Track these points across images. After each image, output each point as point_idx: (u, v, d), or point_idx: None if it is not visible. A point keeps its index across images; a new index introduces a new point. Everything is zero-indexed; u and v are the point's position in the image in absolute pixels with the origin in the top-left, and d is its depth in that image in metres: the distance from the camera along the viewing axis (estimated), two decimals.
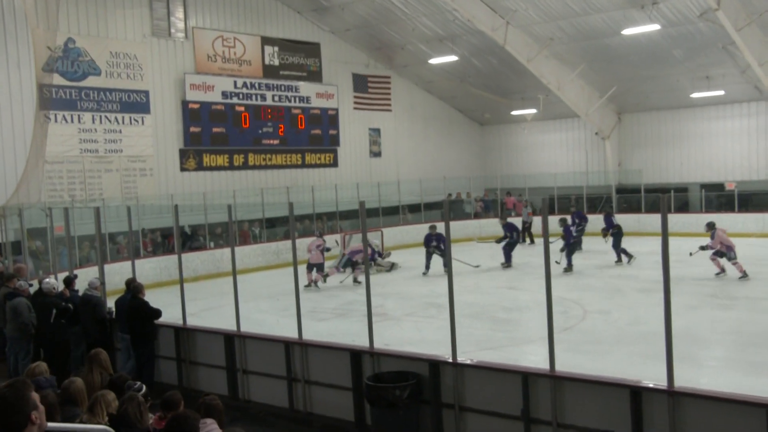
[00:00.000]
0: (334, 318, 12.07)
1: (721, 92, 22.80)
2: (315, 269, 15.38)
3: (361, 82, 25.33)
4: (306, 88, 23.23)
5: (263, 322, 11.48)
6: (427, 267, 16.60)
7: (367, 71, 25.46)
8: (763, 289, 12.63)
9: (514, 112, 27.76)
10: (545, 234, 5.93)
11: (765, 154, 23.93)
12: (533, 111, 26.73)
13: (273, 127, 22.23)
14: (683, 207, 24.40)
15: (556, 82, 23.03)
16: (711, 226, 14.44)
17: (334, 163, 24.42)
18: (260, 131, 21.92)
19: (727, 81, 22.26)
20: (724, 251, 13.97)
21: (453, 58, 23.03)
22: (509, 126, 30.32)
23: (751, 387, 6.96)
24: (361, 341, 7.75)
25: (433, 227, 17.31)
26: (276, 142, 22.36)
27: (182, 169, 20.22)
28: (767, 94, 21.52)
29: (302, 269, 17.72)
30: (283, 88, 22.54)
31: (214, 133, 20.82)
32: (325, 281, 15.47)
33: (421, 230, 23.22)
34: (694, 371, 7.66)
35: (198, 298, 13.81)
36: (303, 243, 19.57)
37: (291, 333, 8.12)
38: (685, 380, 5.45)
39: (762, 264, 15.74)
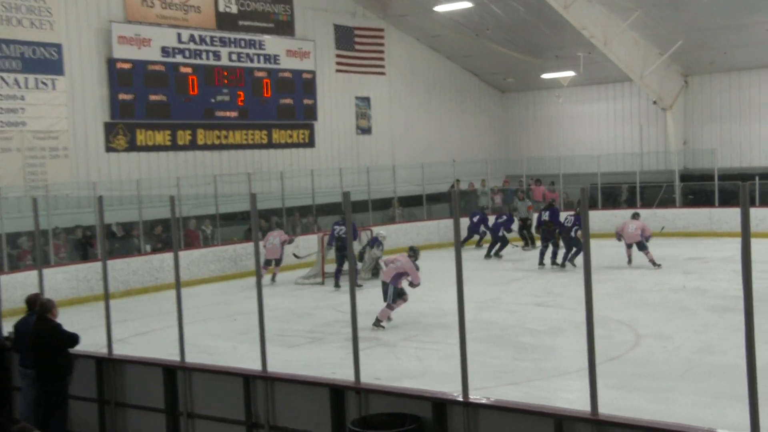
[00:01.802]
0: (309, 343, 12.02)
1: None
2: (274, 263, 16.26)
3: (345, 37, 25.27)
4: (273, 43, 23.13)
5: (216, 349, 11.36)
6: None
7: (353, 22, 25.40)
8: None
9: (545, 76, 27.77)
10: (585, 235, 5.86)
11: None
12: (571, 74, 26.75)
13: (230, 95, 22.14)
14: None
15: (601, 36, 23.03)
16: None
17: (311, 143, 24.36)
18: (213, 100, 21.83)
19: None
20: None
21: (467, 4, 22.98)
22: (539, 93, 30.35)
23: None
24: (343, 374, 7.68)
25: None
26: (234, 114, 22.29)
27: (108, 149, 20.12)
28: None
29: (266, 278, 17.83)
30: (243, 43, 22.44)
31: (151, 102, 20.73)
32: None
33: (422, 228, 23.34)
34: None
35: (129, 318, 13.69)
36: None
37: (252, 364, 8.04)
38: None
39: None
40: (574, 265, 17.79)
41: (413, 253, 13.13)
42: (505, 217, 21.16)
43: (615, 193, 26.20)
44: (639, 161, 26.71)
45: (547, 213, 18.71)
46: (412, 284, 12.78)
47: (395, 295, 12.60)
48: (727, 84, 26.53)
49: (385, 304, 12.67)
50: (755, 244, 5.72)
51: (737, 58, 25.22)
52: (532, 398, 8.24)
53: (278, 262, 17.87)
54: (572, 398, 8.41)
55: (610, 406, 5.96)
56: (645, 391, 8.77)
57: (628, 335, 11.43)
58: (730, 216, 21.60)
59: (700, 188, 25.34)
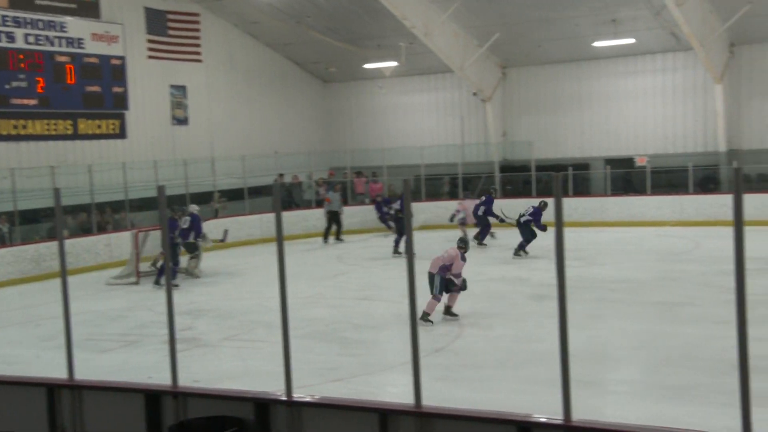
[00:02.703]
0: (122, 347, 11.67)
1: (631, 40, 24.42)
2: None
3: (157, 21, 24.60)
4: (77, 26, 22.18)
5: (16, 358, 10.93)
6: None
7: (166, 5, 24.78)
8: (679, 292, 13.68)
9: (367, 65, 28.18)
10: (409, 227, 6.01)
11: (683, 120, 25.94)
12: (393, 64, 27.26)
13: (28, 81, 21.09)
14: (584, 189, 25.89)
15: (422, 26, 23.59)
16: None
17: (122, 134, 23.60)
18: (8, 86, 20.74)
19: (638, 26, 23.85)
20: None
21: None
22: (362, 84, 30.77)
23: (662, 415, 7.53)
24: (160, 378, 7.52)
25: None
26: (33, 102, 21.25)
27: None
28: (686, 42, 23.24)
29: (83, 278, 17.14)
30: (41, 24, 21.38)
31: None
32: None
33: (243, 222, 23.08)
34: (597, 399, 8.14)
35: None
36: (77, 244, 18.87)
37: (58, 372, 7.72)
38: (586, 411, 5.74)
39: (678, 260, 17.08)
40: (526, 253, 18.25)
41: (463, 244, 12.88)
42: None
43: (438, 184, 27.00)
44: (461, 152, 27.64)
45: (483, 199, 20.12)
46: (453, 275, 12.39)
47: (442, 287, 12.31)
48: (542, 76, 27.92)
49: (431, 296, 12.26)
50: (569, 233, 6.07)
51: (551, 51, 26.58)
52: (357, 394, 8.38)
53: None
54: (397, 392, 8.62)
55: (434, 398, 6.14)
56: (468, 381, 9.10)
57: (451, 326, 11.82)
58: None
59: (519, 179, 26.56)
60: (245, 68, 27.98)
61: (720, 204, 21.62)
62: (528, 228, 18.09)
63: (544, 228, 17.63)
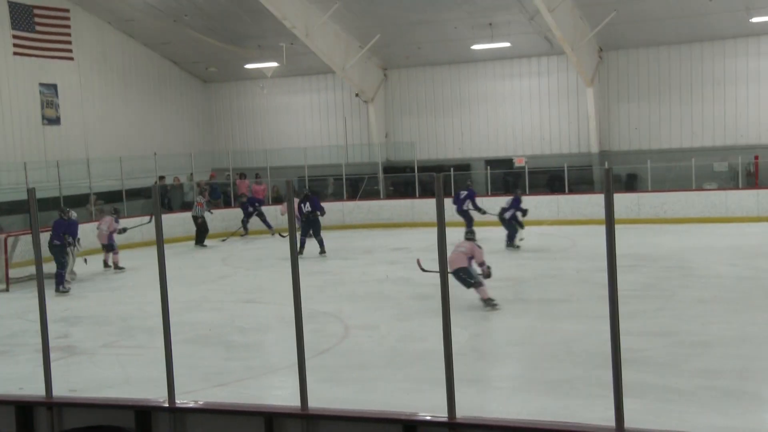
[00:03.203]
0: None
1: (507, 44, 25.02)
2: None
3: (23, 16, 23.65)
4: None
5: None
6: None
7: (32, 0, 23.86)
8: (557, 289, 14.09)
9: (248, 66, 27.94)
10: (291, 227, 5.98)
11: (558, 122, 26.80)
12: (274, 64, 27.12)
13: None
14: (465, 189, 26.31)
15: (303, 27, 23.55)
16: None
17: None
18: None
19: (513, 30, 24.48)
20: None
21: None
22: (243, 84, 30.54)
23: (543, 409, 7.74)
24: (33, 389, 7.24)
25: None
26: None
27: None
28: (559, 47, 24.01)
29: None
30: None
31: None
32: None
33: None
34: (481, 395, 8.30)
35: None
36: None
37: None
38: (470, 408, 5.84)
39: (558, 258, 17.60)
40: (517, 247, 18.58)
41: (471, 234, 13.49)
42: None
43: (322, 185, 27.01)
44: (344, 153, 27.76)
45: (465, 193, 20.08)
46: (478, 265, 12.51)
47: (472, 275, 12.34)
48: (422, 78, 28.33)
49: (473, 289, 12.37)
50: (451, 232, 6.16)
51: (430, 53, 26.99)
52: (243, 398, 8.29)
53: (109, 248, 18.44)
54: (284, 395, 8.58)
55: (320, 400, 6.13)
56: (354, 382, 9.12)
57: (337, 327, 11.82)
58: (430, 206, 23.03)
59: (402, 180, 26.86)
60: (121, 67, 27.27)
61: (594, 203, 22.42)
62: (510, 221, 18.70)
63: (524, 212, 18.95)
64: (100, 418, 6.46)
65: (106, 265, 18.52)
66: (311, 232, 19.33)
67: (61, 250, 15.92)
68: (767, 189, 22.65)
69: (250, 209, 23.42)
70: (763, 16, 22.54)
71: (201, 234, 22.06)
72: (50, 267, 16.54)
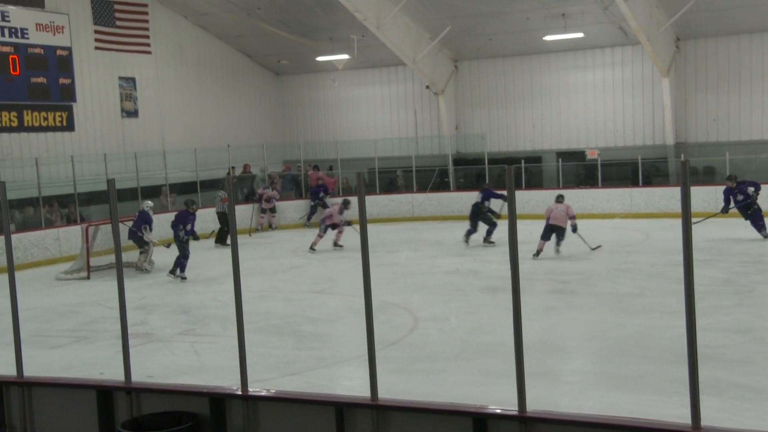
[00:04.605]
0: (73, 343, 11.50)
1: (580, 34, 24.69)
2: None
3: (104, 11, 24.23)
4: (21, 15, 21.70)
5: None
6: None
7: None
8: (629, 283, 13.87)
9: (320, 58, 28.10)
10: (362, 219, 6.02)
11: (632, 113, 26.32)
12: (345, 57, 27.23)
13: None
14: (537, 182, 26.15)
15: (374, 19, 23.59)
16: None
17: (69, 126, 23.14)
18: None
19: (586, 20, 24.13)
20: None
21: None
22: (314, 76, 30.70)
23: (615, 404, 7.65)
24: (112, 374, 7.44)
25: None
26: None
27: None
28: (634, 37, 23.58)
29: (32, 274, 16.87)
30: None
31: None
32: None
33: (199, 215, 22.88)
34: (551, 390, 8.23)
35: None
36: (24, 238, 18.53)
37: (6, 369, 7.61)
38: (540, 402, 5.81)
39: (627, 251, 17.33)
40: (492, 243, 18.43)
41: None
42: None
43: (391, 177, 27.06)
44: (414, 145, 27.74)
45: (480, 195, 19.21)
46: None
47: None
48: (493, 69, 28.11)
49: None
50: (522, 225, 6.12)
51: (502, 44, 26.76)
52: (313, 387, 8.38)
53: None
54: (353, 385, 8.64)
55: (390, 391, 6.17)
56: (423, 374, 9.14)
57: (406, 319, 11.85)
58: None
59: (472, 172, 26.73)
60: (196, 60, 27.71)
61: (668, 196, 21.98)
62: (486, 214, 18.58)
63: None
64: (176, 404, 6.61)
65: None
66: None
67: (181, 241, 16.19)
68: None
69: (321, 195, 23.74)
70: None
71: (225, 233, 20.53)
72: (129, 256, 17.02)
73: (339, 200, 20.05)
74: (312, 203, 24.27)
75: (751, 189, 17.61)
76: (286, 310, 12.89)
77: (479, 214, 18.70)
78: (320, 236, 18.99)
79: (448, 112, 28.24)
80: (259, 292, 14.03)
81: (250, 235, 22.65)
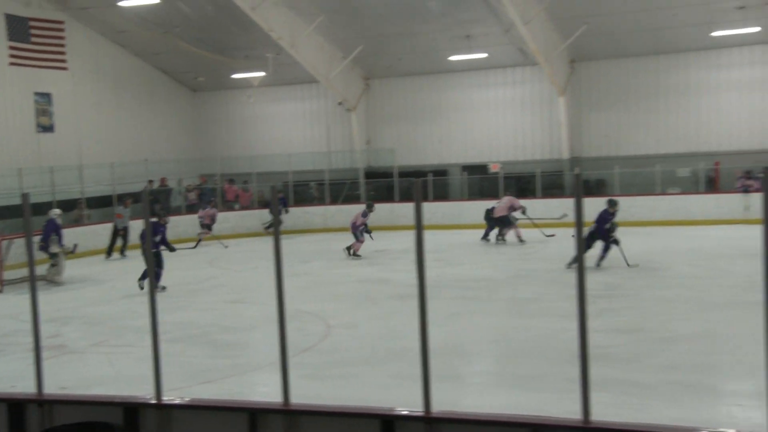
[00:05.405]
0: None
1: (484, 55, 25.11)
2: None
3: (19, 28, 23.51)
4: None
5: None
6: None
7: (28, 12, 23.73)
8: (528, 289, 14.11)
9: (236, 75, 27.88)
10: (277, 231, 5.96)
11: (531, 129, 26.89)
12: (261, 74, 27.07)
13: None
14: (443, 194, 26.42)
15: (289, 38, 23.54)
16: None
17: None
18: None
19: (489, 42, 24.59)
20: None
21: (153, 0, 22.37)
22: (230, 93, 30.46)
23: (515, 403, 7.76)
24: (25, 387, 7.17)
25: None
26: None
27: None
28: (533, 58, 24.10)
29: None
30: None
31: None
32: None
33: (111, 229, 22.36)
34: (456, 391, 8.29)
35: None
36: None
37: None
38: (445, 403, 5.84)
39: (528, 259, 17.65)
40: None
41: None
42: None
43: (305, 191, 26.97)
44: (327, 159, 27.73)
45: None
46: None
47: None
48: (403, 87, 28.38)
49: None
50: (429, 235, 6.15)
51: (410, 64, 27.04)
52: (227, 394, 8.26)
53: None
54: (267, 391, 8.53)
55: (302, 396, 6.10)
56: (334, 378, 9.10)
57: (319, 326, 11.78)
58: (409, 210, 22.92)
59: (383, 184, 26.86)
60: (114, 77, 27.13)
61: (565, 207, 22.47)
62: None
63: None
64: (89, 414, 6.41)
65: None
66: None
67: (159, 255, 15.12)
68: (727, 193, 22.82)
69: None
70: (724, 30, 22.71)
71: (114, 244, 20.86)
72: (42, 269, 16.50)
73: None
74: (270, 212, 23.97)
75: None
76: (202, 320, 12.67)
77: (495, 218, 20.15)
78: (361, 241, 18.89)
79: (360, 127, 28.33)
80: (175, 302, 13.76)
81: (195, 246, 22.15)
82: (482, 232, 20.70)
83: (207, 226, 22.74)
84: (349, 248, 18.76)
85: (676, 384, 8.22)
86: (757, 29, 22.63)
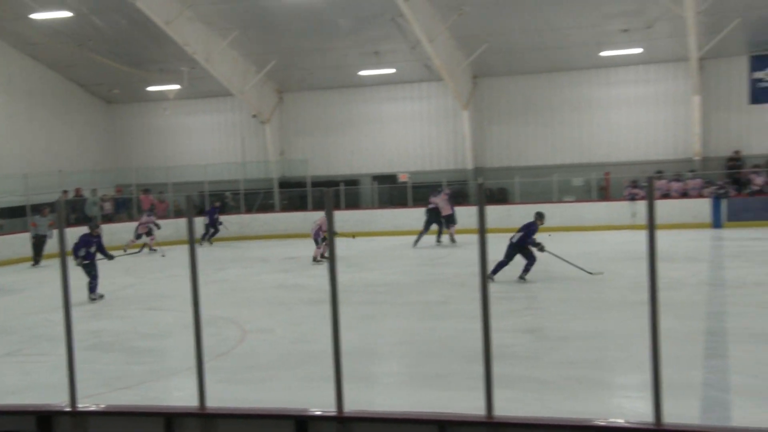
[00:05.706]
0: None
1: (392, 70, 25.32)
2: None
3: None
4: None
5: None
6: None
7: None
8: (436, 292, 14.26)
9: (151, 88, 27.34)
10: (191, 239, 5.85)
11: (437, 141, 27.20)
12: (176, 87, 26.62)
13: None
14: (354, 202, 26.48)
15: (203, 52, 23.22)
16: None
17: None
18: None
19: (397, 58, 24.79)
20: None
21: (66, 13, 21.77)
22: (146, 105, 29.83)
23: (423, 401, 7.81)
24: None
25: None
26: None
27: None
28: (438, 74, 24.40)
29: None
30: None
31: None
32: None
33: (27, 239, 21.56)
34: (368, 391, 8.30)
35: None
36: None
37: None
38: (357, 403, 5.83)
39: (435, 263, 17.82)
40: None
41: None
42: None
43: (222, 200, 26.60)
44: (242, 170, 27.43)
45: None
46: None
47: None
48: (315, 100, 28.35)
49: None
50: (340, 242, 6.15)
51: (322, 77, 27.05)
52: (144, 400, 8.07)
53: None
54: (183, 395, 8.38)
55: (218, 399, 5.99)
56: (250, 382, 8.99)
57: (235, 331, 11.63)
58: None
59: (296, 194, 26.74)
60: (26, 88, 26.21)
61: (468, 215, 22.79)
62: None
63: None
64: (1, 424, 6.16)
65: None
66: None
67: (84, 264, 14.67)
68: (616, 201, 23.56)
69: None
70: (611, 51, 23.57)
71: (38, 252, 20.42)
72: None
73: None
74: (206, 223, 23.57)
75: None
76: (118, 328, 12.34)
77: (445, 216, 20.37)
78: (320, 248, 17.92)
79: (274, 139, 28.14)
80: (91, 310, 13.37)
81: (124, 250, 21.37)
82: (393, 238, 20.76)
83: (148, 233, 22.17)
84: (314, 258, 18.21)
85: (572, 379, 8.43)
86: (639, 50, 23.58)
